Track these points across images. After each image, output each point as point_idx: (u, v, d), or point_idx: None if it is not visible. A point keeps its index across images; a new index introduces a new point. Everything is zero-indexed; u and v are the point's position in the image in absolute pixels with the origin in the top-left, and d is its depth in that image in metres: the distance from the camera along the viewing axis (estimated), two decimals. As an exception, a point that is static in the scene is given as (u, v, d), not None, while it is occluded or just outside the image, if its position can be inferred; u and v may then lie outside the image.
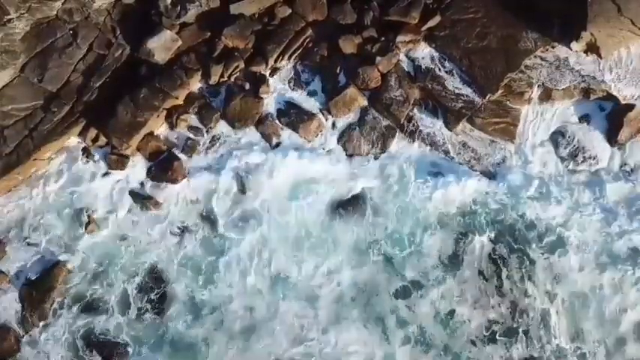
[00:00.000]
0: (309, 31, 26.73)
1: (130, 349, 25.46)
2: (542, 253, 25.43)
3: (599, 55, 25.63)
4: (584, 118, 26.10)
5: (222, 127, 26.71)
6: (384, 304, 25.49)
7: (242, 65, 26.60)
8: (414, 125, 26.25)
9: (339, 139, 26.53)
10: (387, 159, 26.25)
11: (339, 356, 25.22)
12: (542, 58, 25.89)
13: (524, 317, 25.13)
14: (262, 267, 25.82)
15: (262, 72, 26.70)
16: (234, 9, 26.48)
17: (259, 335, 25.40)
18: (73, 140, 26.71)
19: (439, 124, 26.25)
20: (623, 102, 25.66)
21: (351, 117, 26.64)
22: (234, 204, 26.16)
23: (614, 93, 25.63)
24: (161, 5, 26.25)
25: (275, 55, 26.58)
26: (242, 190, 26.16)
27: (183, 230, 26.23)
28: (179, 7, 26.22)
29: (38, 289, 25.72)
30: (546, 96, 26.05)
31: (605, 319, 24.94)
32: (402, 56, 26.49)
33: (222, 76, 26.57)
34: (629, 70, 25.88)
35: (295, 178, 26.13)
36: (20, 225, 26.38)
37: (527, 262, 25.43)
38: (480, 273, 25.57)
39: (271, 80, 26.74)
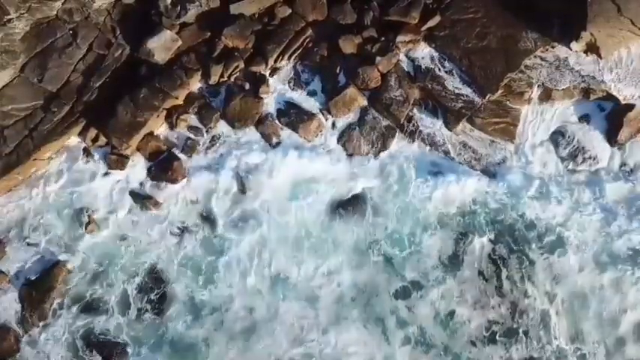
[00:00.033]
0: (309, 31, 26.72)
1: (129, 350, 25.42)
2: (542, 254, 25.41)
3: (599, 55, 25.63)
4: (584, 118, 26.11)
5: (222, 127, 26.70)
6: (384, 305, 25.47)
7: (242, 65, 26.59)
8: (413, 125, 26.25)
9: (339, 139, 26.52)
10: (387, 159, 26.25)
11: (339, 357, 25.19)
12: (542, 58, 25.88)
13: (524, 318, 25.10)
14: (262, 267, 25.80)
15: (262, 72, 26.70)
16: (234, 9, 26.47)
17: (259, 336, 25.37)
18: (73, 140, 26.70)
19: (439, 124, 26.24)
20: (622, 102, 25.66)
21: (351, 117, 26.63)
22: (233, 204, 26.16)
23: (614, 93, 25.62)
24: (161, 5, 26.24)
25: (275, 55, 26.58)
26: (242, 189, 26.16)
27: (183, 230, 26.21)
28: (179, 7, 26.21)
29: (38, 289, 25.69)
30: (546, 96, 26.05)
31: (605, 320, 24.92)
32: (401, 56, 26.49)
33: (222, 76, 26.56)
34: (629, 70, 25.87)
35: (295, 178, 26.13)
36: (20, 225, 26.35)
37: (527, 263, 25.41)
38: (480, 273, 25.55)
39: (271, 80, 26.73)
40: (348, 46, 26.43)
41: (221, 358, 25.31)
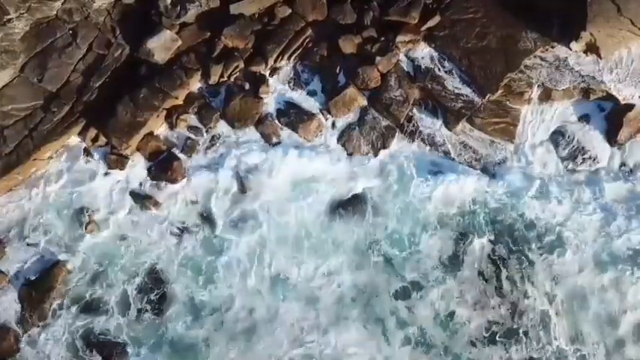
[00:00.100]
0: (309, 31, 26.73)
1: (129, 350, 25.39)
2: (542, 254, 25.40)
3: (599, 55, 25.64)
4: (584, 118, 26.10)
5: (221, 127, 26.70)
6: (384, 305, 25.45)
7: (242, 65, 26.60)
8: (413, 125, 26.25)
9: (338, 139, 26.53)
10: (387, 158, 26.26)
11: (340, 357, 25.17)
12: (541, 58, 25.89)
13: (524, 318, 25.07)
14: (262, 268, 25.78)
15: (262, 72, 26.71)
16: (234, 9, 26.48)
17: (259, 336, 25.36)
18: (73, 140, 26.71)
19: (439, 124, 26.26)
20: (622, 102, 25.66)
21: (351, 117, 26.63)
22: (233, 204, 26.16)
23: (614, 93, 25.62)
24: (161, 5, 26.25)
25: (275, 55, 26.59)
26: (242, 189, 26.16)
27: (183, 230, 26.20)
28: (179, 7, 26.22)
29: (38, 289, 25.68)
30: (546, 96, 26.05)
31: (604, 320, 24.91)
32: (401, 56, 26.50)
33: (221, 76, 26.57)
34: (629, 70, 25.88)
35: (295, 177, 26.12)
36: (20, 225, 26.35)
37: (527, 263, 25.40)
38: (480, 273, 25.53)
39: (271, 80, 26.75)
40: (348, 46, 26.44)
41: (221, 358, 25.28)
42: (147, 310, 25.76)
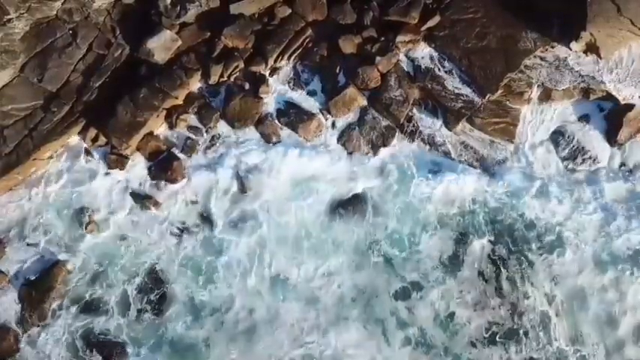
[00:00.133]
0: (309, 31, 26.75)
1: (129, 350, 25.38)
2: (542, 254, 25.41)
3: (599, 55, 25.65)
4: (584, 118, 26.11)
5: (221, 127, 26.72)
6: (384, 306, 25.45)
7: (242, 65, 26.62)
8: (413, 125, 26.26)
9: (338, 139, 26.53)
10: (388, 158, 26.26)
11: (340, 358, 25.17)
12: (541, 58, 25.91)
13: (524, 319, 25.06)
14: (262, 268, 25.79)
15: (262, 72, 26.73)
16: (234, 9, 26.50)
17: (259, 337, 25.36)
18: (73, 140, 26.72)
19: (439, 124, 26.26)
20: (622, 102, 25.67)
21: (351, 117, 26.64)
22: (233, 204, 26.17)
23: (614, 93, 25.63)
24: (161, 5, 26.28)
25: (275, 55, 26.61)
26: (242, 189, 26.15)
27: (183, 230, 26.21)
28: (179, 7, 26.24)
29: (38, 289, 25.69)
30: (546, 96, 26.06)
31: (604, 321, 24.90)
32: (401, 56, 26.52)
33: (221, 76, 26.59)
34: (629, 70, 25.88)
35: (295, 177, 26.14)
36: (20, 225, 26.36)
37: (527, 263, 25.40)
38: (480, 274, 25.53)
39: (271, 80, 26.76)
40: (348, 46, 26.45)
41: (221, 359, 25.28)
42: (147, 310, 25.76)
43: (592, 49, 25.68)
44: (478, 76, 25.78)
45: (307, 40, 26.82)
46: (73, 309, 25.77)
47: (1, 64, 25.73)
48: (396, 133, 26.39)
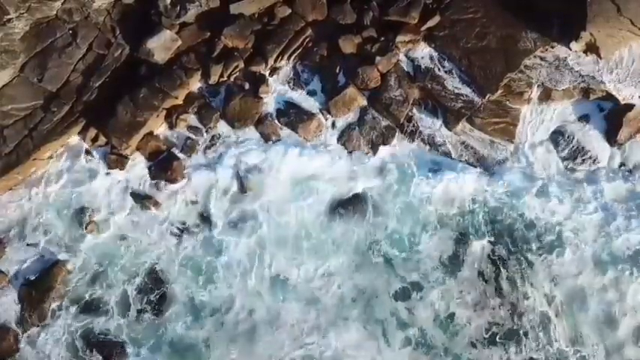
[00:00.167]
0: (309, 31, 26.78)
1: (129, 350, 25.37)
2: (541, 254, 25.41)
3: (599, 55, 25.67)
4: (584, 118, 26.12)
5: (221, 127, 26.74)
6: (384, 306, 25.44)
7: (242, 65, 26.65)
8: (413, 125, 26.26)
9: (338, 139, 26.54)
10: (388, 157, 26.27)
11: (340, 358, 25.17)
12: (541, 58, 25.94)
13: (523, 319, 25.06)
14: (262, 268, 25.80)
15: (262, 72, 26.75)
16: (234, 9, 26.52)
17: (259, 337, 25.36)
18: (73, 140, 26.74)
19: (439, 123, 26.27)
20: (622, 102, 25.67)
21: (351, 117, 26.66)
22: (233, 204, 26.17)
23: (614, 93, 25.65)
24: (161, 5, 26.31)
25: (275, 55, 26.63)
26: (242, 189, 26.14)
27: (183, 231, 26.21)
28: (179, 7, 26.27)
29: (37, 289, 25.70)
30: (546, 96, 26.08)
31: (604, 321, 24.89)
32: (401, 56, 26.55)
33: (221, 75, 26.61)
34: (629, 70, 25.89)
35: (295, 176, 26.15)
36: (20, 225, 26.39)
37: (527, 264, 25.39)
38: (480, 274, 25.53)
39: (271, 80, 26.79)
40: (348, 46, 26.47)
41: (221, 359, 25.26)
42: (147, 311, 25.76)
43: (592, 49, 25.70)
44: (478, 76, 25.79)
45: (307, 40, 26.84)
46: (73, 309, 25.77)
47: (1, 64, 25.76)
48: (396, 133, 26.40)
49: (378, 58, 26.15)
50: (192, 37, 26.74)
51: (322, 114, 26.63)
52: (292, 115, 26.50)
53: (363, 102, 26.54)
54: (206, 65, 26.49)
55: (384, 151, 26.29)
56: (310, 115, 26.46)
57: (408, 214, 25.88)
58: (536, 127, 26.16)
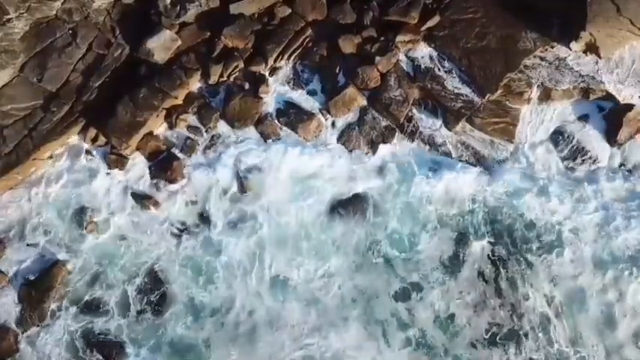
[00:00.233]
0: (309, 31, 26.77)
1: (129, 350, 25.35)
2: (541, 254, 25.37)
3: (599, 55, 25.69)
4: (584, 118, 26.09)
5: (221, 127, 26.72)
6: (384, 307, 25.40)
7: (241, 65, 26.64)
8: (413, 125, 26.25)
9: (338, 139, 26.52)
10: (388, 157, 26.26)
11: (340, 359, 25.11)
12: (541, 58, 25.94)
13: (523, 320, 25.03)
14: (262, 269, 25.75)
15: (262, 72, 26.74)
16: (233, 9, 26.53)
17: (260, 338, 25.32)
18: (73, 140, 26.73)
19: (439, 124, 26.25)
20: (622, 102, 25.68)
21: (351, 117, 26.64)
22: (233, 204, 26.14)
23: (614, 93, 25.66)
24: (161, 5, 26.32)
25: (274, 55, 26.62)
26: (242, 189, 26.14)
27: (183, 231, 26.20)
28: (179, 7, 26.28)
29: (37, 289, 25.66)
30: (546, 96, 26.06)
31: (604, 321, 24.85)
32: (401, 56, 26.54)
33: (221, 75, 26.60)
34: (629, 70, 25.91)
35: (295, 176, 26.13)
36: (20, 225, 26.36)
37: (526, 264, 25.36)
38: (480, 274, 25.49)
39: (271, 80, 26.78)
40: (348, 45, 26.47)
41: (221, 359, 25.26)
42: (147, 311, 25.71)
43: (592, 49, 25.70)
44: (478, 76, 25.79)
45: (307, 40, 26.84)
46: (73, 309, 25.73)
47: (1, 64, 25.75)
48: (396, 133, 26.38)
49: (377, 58, 26.14)
50: (192, 37, 26.73)
51: (322, 114, 26.61)
52: (292, 115, 26.48)
53: (363, 102, 26.53)
54: (206, 65, 26.48)
55: (384, 150, 26.27)
56: (310, 115, 26.44)
57: (408, 213, 25.86)
58: (536, 127, 26.14)
